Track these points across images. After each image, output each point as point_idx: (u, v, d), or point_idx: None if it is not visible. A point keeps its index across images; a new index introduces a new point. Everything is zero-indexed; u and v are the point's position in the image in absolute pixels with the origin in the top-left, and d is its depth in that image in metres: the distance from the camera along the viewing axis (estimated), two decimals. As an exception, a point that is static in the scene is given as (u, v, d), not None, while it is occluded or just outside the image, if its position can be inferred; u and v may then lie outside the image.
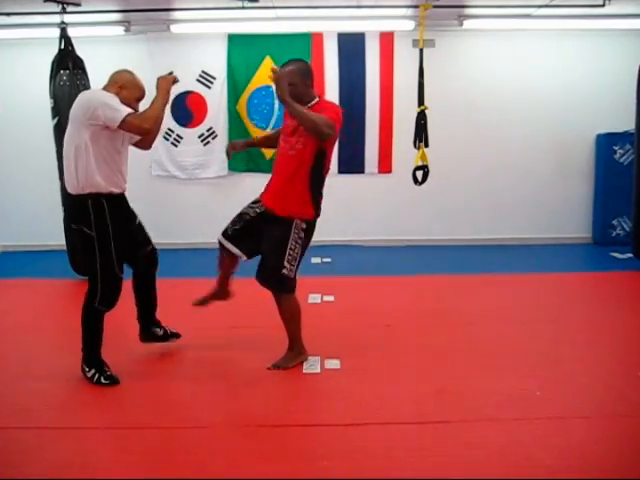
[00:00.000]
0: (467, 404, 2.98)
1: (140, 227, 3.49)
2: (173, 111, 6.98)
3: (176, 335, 3.74)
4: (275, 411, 2.96)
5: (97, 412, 2.98)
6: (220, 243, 3.51)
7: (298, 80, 3.23)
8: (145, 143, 3.46)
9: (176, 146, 7.04)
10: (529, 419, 2.82)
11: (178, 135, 7.01)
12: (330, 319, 4.29)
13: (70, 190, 3.17)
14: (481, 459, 2.50)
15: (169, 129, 6.99)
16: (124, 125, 3.01)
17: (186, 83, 6.94)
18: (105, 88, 3.21)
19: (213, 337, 3.95)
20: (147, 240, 3.52)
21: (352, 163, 6.98)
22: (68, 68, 5.14)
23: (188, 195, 7.09)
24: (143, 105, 3.25)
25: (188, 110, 6.98)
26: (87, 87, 5.27)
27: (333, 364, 3.47)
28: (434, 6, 5.23)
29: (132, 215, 3.46)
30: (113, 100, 3.06)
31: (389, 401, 3.03)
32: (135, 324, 3.62)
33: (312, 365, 3.46)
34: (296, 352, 3.49)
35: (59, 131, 5.22)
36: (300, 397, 3.13)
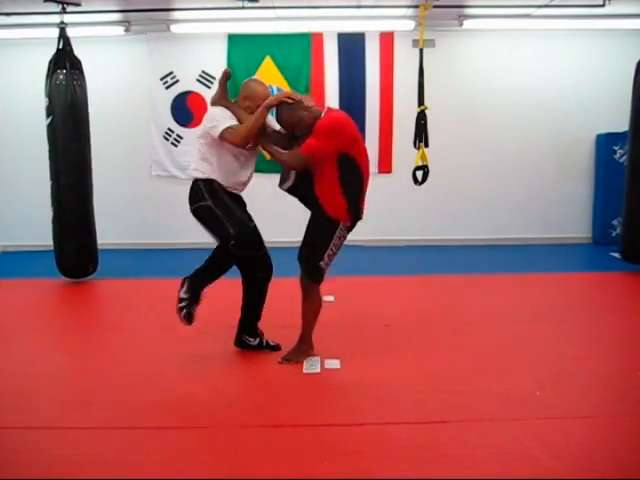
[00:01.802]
0: (467, 404, 2.98)
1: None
2: (173, 111, 6.99)
3: (274, 347, 3.71)
4: (275, 411, 2.95)
5: (97, 412, 2.97)
6: None
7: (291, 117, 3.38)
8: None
9: (176, 146, 7.05)
10: (529, 419, 2.82)
11: (178, 135, 7.01)
12: (330, 319, 4.29)
13: (192, 175, 3.54)
14: (481, 459, 2.50)
15: (169, 129, 7.00)
16: (222, 139, 3.37)
17: (186, 83, 6.96)
18: (236, 99, 3.54)
19: (213, 337, 3.94)
20: (260, 244, 3.59)
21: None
22: (65, 68, 5.14)
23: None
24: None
25: (188, 110, 6.98)
26: (83, 88, 5.27)
27: (333, 364, 3.47)
28: (434, 6, 5.24)
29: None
30: (218, 116, 3.41)
31: (389, 401, 3.03)
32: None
33: (312, 365, 3.46)
34: (306, 346, 3.55)
35: (53, 130, 5.22)
36: (300, 397, 3.13)
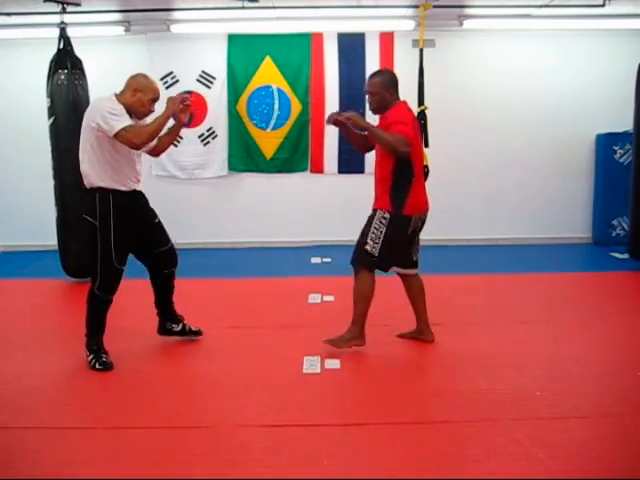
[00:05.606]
0: (467, 404, 2.98)
1: (158, 226, 3.66)
2: (173, 111, 6.98)
3: (196, 333, 3.85)
4: (275, 411, 2.96)
5: (97, 412, 2.98)
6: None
7: (380, 90, 3.61)
8: (154, 152, 3.78)
9: (176, 146, 7.01)
10: (529, 419, 2.82)
11: (178, 135, 6.99)
12: (330, 319, 4.29)
13: (85, 184, 3.39)
14: (481, 459, 2.50)
15: (169, 129, 6.99)
16: (117, 137, 3.25)
17: (186, 83, 6.95)
18: (122, 92, 3.42)
19: (213, 337, 3.94)
20: (163, 240, 3.67)
21: (352, 163, 6.96)
22: (66, 68, 5.13)
23: (188, 195, 7.09)
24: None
25: (188, 110, 6.97)
26: (85, 87, 5.26)
27: (333, 364, 3.47)
28: (434, 6, 5.24)
29: (149, 214, 3.63)
30: (115, 110, 3.26)
31: (389, 401, 3.03)
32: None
33: (312, 365, 3.46)
34: (354, 332, 3.61)
35: (55, 130, 5.21)
36: (300, 397, 3.13)
